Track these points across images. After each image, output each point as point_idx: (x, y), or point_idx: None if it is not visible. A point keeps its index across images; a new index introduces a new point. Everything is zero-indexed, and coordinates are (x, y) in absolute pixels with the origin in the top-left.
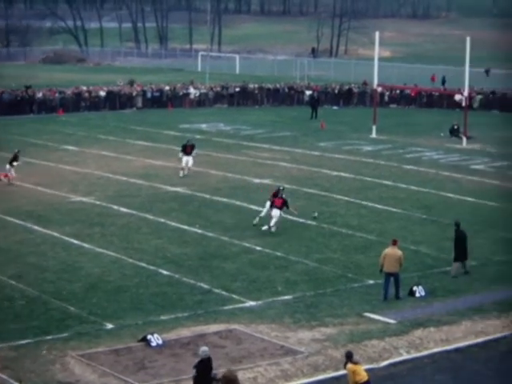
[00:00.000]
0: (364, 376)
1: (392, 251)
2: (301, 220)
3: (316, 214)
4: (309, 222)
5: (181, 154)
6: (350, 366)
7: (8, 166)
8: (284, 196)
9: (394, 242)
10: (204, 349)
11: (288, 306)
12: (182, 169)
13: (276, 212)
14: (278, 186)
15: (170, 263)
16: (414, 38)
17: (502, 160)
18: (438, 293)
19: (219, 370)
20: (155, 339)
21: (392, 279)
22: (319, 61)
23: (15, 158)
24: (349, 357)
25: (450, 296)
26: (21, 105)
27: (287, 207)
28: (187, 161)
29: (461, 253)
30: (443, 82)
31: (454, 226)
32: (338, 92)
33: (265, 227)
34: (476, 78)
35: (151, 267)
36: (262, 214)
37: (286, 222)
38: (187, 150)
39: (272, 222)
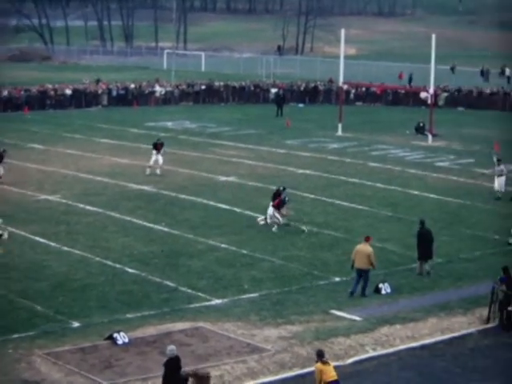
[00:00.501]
0: (332, 376)
1: (363, 247)
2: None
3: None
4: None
5: (154, 152)
6: (318, 364)
7: None
8: (287, 199)
9: (367, 239)
10: (171, 347)
11: (254, 303)
12: (150, 167)
13: (269, 209)
14: (277, 187)
15: (136, 261)
16: (379, 36)
17: (467, 157)
18: (403, 290)
19: (186, 368)
20: (121, 337)
21: (368, 273)
22: (285, 58)
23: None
24: (319, 355)
25: (416, 293)
26: None
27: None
28: (156, 159)
29: (423, 252)
30: (410, 80)
31: (419, 225)
32: (303, 90)
33: (262, 221)
34: (442, 76)
35: (117, 265)
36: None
37: (252, 220)
38: (158, 147)
39: (260, 217)
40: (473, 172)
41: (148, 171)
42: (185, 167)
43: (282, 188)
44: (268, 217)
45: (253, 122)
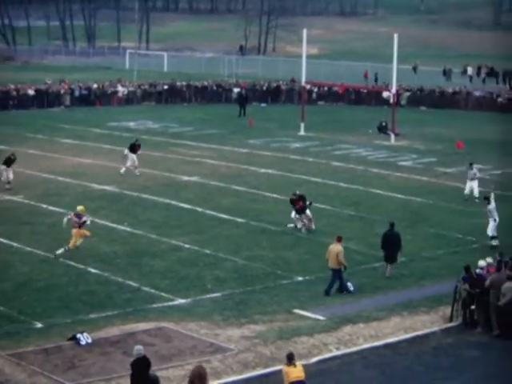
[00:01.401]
0: (294, 377)
1: (334, 247)
2: (229, 217)
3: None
4: (238, 219)
5: (126, 151)
6: (284, 367)
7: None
8: (308, 203)
9: (338, 239)
10: (138, 348)
11: (217, 303)
12: (135, 167)
13: (292, 214)
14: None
15: (99, 261)
16: (341, 36)
17: (429, 156)
18: (366, 289)
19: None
20: (84, 338)
21: (338, 273)
22: (247, 58)
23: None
24: (287, 358)
25: (379, 292)
26: None
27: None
28: (132, 159)
29: (388, 254)
30: (375, 80)
31: (388, 226)
32: (266, 89)
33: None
34: (404, 75)
35: (80, 266)
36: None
37: (214, 220)
38: (136, 149)
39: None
40: (435, 171)
41: (137, 171)
42: (147, 167)
43: (296, 193)
44: (297, 222)
45: (215, 122)
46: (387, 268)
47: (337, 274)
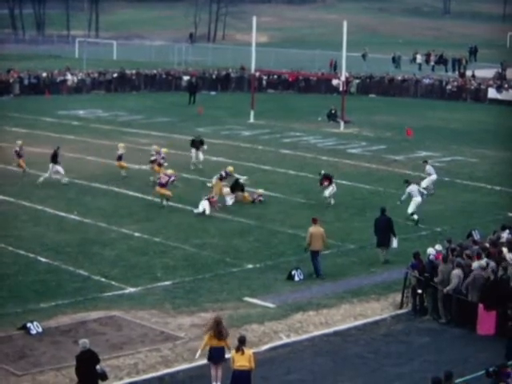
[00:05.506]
0: (239, 365)
1: (317, 229)
2: (179, 205)
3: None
4: (187, 207)
5: (194, 150)
6: (233, 351)
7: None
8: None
9: (315, 221)
10: (83, 341)
11: (167, 291)
12: (193, 163)
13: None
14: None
15: (48, 250)
16: (291, 23)
17: (378, 144)
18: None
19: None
20: (35, 327)
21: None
22: (197, 46)
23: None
24: (238, 341)
25: (329, 279)
26: None
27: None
28: (197, 155)
29: (379, 239)
30: (335, 68)
31: (380, 212)
32: (215, 77)
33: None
34: (353, 63)
35: (30, 255)
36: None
37: (164, 208)
38: (196, 144)
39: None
40: (384, 158)
41: (192, 167)
42: (97, 156)
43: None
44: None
45: (165, 110)
46: (381, 253)
47: (318, 255)
